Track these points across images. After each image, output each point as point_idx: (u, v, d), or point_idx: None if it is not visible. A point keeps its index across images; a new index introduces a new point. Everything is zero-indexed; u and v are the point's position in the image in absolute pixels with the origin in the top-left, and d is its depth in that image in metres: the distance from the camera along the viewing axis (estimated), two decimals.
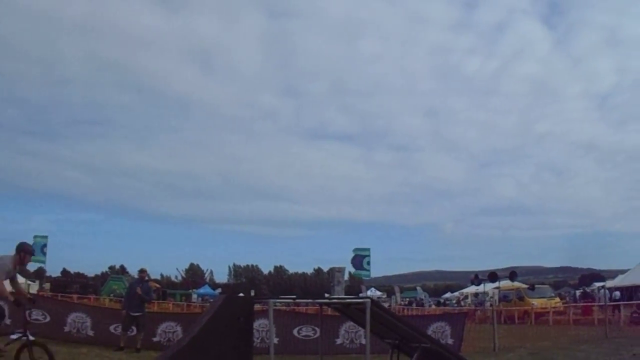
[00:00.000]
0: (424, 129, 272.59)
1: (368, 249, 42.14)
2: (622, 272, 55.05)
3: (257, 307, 13.25)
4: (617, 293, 39.99)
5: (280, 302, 19.28)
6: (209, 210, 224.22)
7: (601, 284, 58.71)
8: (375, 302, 9.43)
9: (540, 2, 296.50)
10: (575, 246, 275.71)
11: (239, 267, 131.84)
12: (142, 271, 18.56)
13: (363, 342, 14.22)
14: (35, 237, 31.10)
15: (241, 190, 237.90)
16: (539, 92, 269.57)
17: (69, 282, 63.81)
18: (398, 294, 59.91)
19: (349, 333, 17.54)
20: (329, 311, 14.21)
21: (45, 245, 31.43)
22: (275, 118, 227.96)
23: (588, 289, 60.92)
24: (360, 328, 14.71)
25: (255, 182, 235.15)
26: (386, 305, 49.07)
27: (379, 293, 70.16)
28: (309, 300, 14.25)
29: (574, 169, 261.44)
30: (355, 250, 41.88)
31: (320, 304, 11.13)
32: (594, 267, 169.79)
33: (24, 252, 9.81)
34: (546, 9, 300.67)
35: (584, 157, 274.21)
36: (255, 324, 14.11)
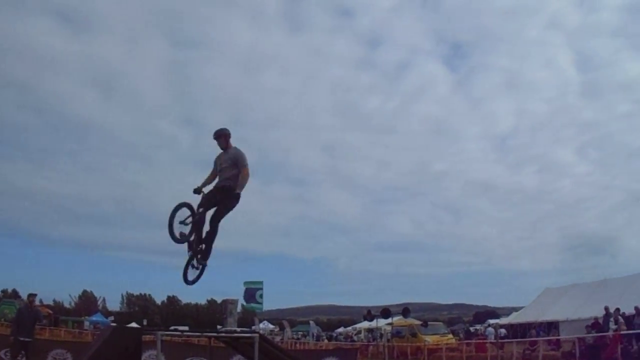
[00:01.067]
0: (321, 163, 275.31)
1: (261, 282, 41.25)
2: (516, 309, 56.39)
3: (147, 337, 12.71)
4: (502, 330, 40.57)
5: (169, 334, 18.63)
6: (104, 237, 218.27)
7: (495, 321, 59.83)
8: (263, 337, 9.73)
9: (443, 44, 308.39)
10: (470, 283, 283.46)
11: (132, 295, 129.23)
12: (30, 295, 17.67)
13: None
14: None
15: (136, 217, 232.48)
16: (437, 132, 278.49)
17: None
18: (288, 329, 59.86)
19: None
20: (220, 343, 13.96)
21: None
22: (173, 147, 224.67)
23: (479, 327, 61.97)
24: None
25: (150, 210, 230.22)
26: (278, 339, 48.30)
27: (271, 326, 69.17)
28: (197, 333, 14.31)
29: (470, 208, 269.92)
30: (247, 283, 40.92)
31: (209, 337, 11.21)
32: (488, 305, 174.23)
33: None
34: (448, 51, 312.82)
35: (480, 197, 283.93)
36: (145, 355, 13.71)
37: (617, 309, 27.53)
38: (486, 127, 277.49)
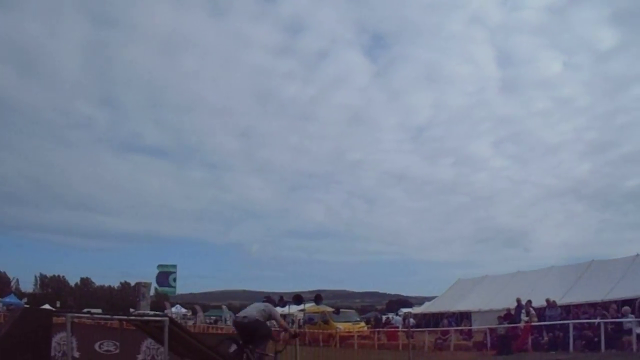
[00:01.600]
0: (237, 148, 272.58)
1: (174, 266, 40.34)
2: (429, 299, 57.10)
3: (58, 319, 12.28)
4: (412, 320, 40.91)
5: (78, 316, 18.04)
6: (18, 217, 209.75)
7: (407, 309, 60.48)
8: (173, 321, 9.71)
9: (365, 34, 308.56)
10: (383, 272, 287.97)
11: (46, 277, 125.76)
12: None
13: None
14: None
15: (51, 198, 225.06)
16: (355, 121, 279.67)
17: None
18: (201, 313, 59.04)
19: (150, 349, 16.80)
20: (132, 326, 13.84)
21: None
22: (90, 127, 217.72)
23: (390, 315, 62.57)
24: (161, 345, 14.04)
25: (65, 190, 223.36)
26: (191, 323, 47.26)
27: (184, 310, 67.99)
28: (108, 316, 14.78)
29: (385, 198, 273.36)
30: (160, 266, 39.87)
31: (120, 320, 11.47)
32: (401, 294, 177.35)
33: None
34: (370, 41, 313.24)
35: (396, 187, 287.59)
36: (57, 338, 13.47)
37: (529, 301, 27.89)
38: (404, 118, 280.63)
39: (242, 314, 11.93)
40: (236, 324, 11.96)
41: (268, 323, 12.14)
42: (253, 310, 11.75)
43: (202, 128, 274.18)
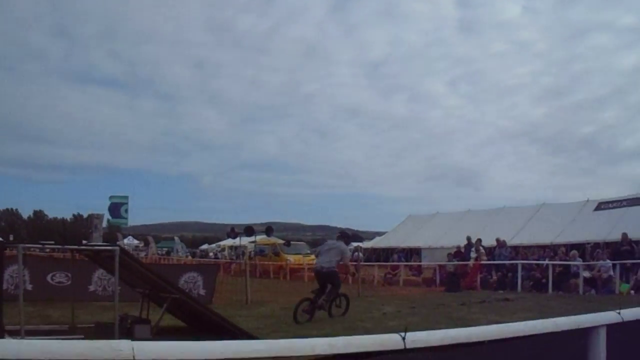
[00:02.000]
0: (191, 80, 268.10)
1: (126, 197, 39.89)
2: (380, 234, 57.49)
3: (10, 252, 12.88)
4: (360, 254, 41.29)
5: (30, 247, 17.80)
6: None
7: (357, 244, 60.85)
8: (124, 251, 9.96)
9: None
10: (334, 206, 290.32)
11: None
12: None
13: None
14: None
15: (3, 130, 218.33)
16: (310, 55, 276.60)
17: None
18: (153, 244, 58.80)
19: (102, 280, 17.35)
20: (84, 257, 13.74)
21: None
22: (43, 59, 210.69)
23: None
24: (112, 276, 14.08)
25: (18, 123, 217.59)
26: (143, 254, 46.90)
27: (136, 242, 67.46)
28: (59, 247, 14.83)
29: (338, 132, 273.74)
30: (113, 197, 39.33)
31: (72, 251, 11.75)
32: (352, 227, 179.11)
33: None
34: None
35: (349, 121, 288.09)
36: (9, 270, 13.50)
37: (479, 240, 28.16)
38: (359, 54, 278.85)
39: (321, 262, 14.89)
40: (316, 271, 15.18)
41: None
42: (332, 257, 14.63)
43: (156, 59, 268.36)
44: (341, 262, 15.33)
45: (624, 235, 23.17)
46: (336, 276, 14.77)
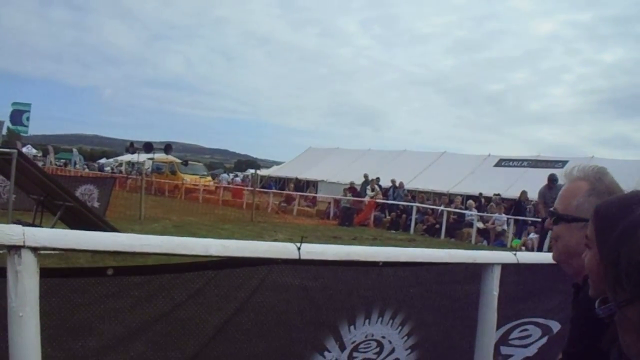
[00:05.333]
0: None
1: (29, 105, 38.53)
2: (278, 163, 57.66)
3: None
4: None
5: None
6: None
7: (252, 171, 61.08)
8: (22, 155, 9.79)
9: None
10: (235, 131, 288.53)
11: None
12: None
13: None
14: None
15: None
16: None
17: None
18: (52, 154, 58.01)
19: None
20: None
21: None
22: None
23: (239, 174, 63.15)
24: (7, 182, 13.86)
25: None
26: (41, 164, 45.24)
27: (34, 151, 65.07)
28: None
29: (246, 58, 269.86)
30: (15, 104, 37.82)
31: None
32: (251, 155, 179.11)
33: None
34: None
35: (257, 49, 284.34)
36: None
37: (377, 178, 28.58)
38: None
39: None
40: None
41: None
42: None
43: None
44: None
45: (524, 192, 23.85)
46: None
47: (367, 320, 2.82)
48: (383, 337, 2.92)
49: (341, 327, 2.76)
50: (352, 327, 2.78)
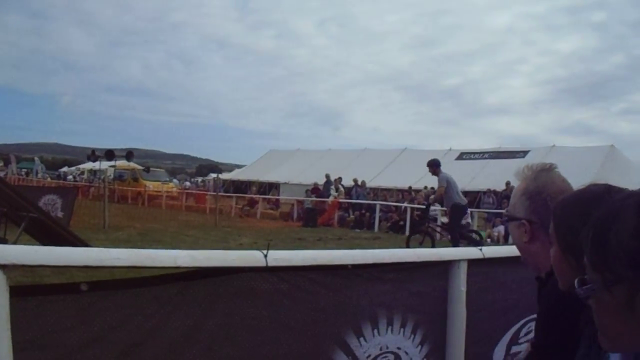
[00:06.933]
0: None
1: None
2: (240, 166, 57.54)
3: None
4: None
5: None
6: None
7: (214, 175, 61.07)
8: None
9: None
10: (195, 136, 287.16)
11: None
12: None
13: None
14: None
15: None
16: None
17: None
18: (14, 164, 56.55)
19: None
20: None
21: None
22: None
23: (200, 179, 62.90)
24: None
25: None
26: (2, 174, 44.38)
27: None
28: None
29: (204, 62, 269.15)
30: None
31: None
32: (212, 159, 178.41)
33: None
34: None
35: (215, 53, 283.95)
36: None
37: (339, 178, 28.63)
38: None
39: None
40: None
41: None
42: None
43: None
44: None
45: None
46: None
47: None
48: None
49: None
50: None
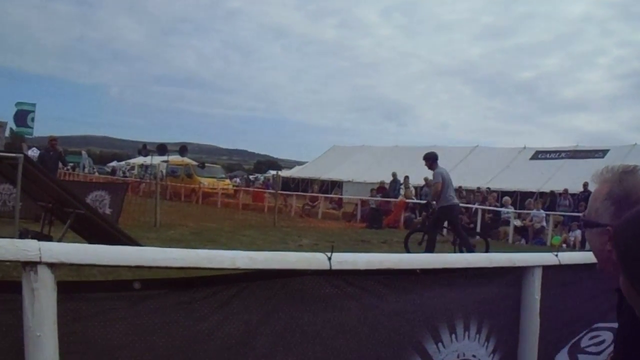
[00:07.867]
0: None
1: (33, 105, 38.76)
2: (300, 163, 57.67)
3: None
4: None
5: None
6: None
7: (274, 172, 61.34)
8: (28, 159, 9.53)
9: None
10: (253, 130, 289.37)
11: None
12: None
13: None
14: None
15: None
16: None
17: None
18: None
19: (2, 195, 17.01)
20: None
21: None
22: None
23: (259, 176, 63.12)
24: (13, 189, 13.72)
25: None
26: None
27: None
28: None
29: (261, 52, 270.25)
30: (19, 104, 38.09)
31: None
32: (271, 155, 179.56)
33: None
34: None
35: (273, 42, 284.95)
36: None
37: (407, 177, 28.45)
38: None
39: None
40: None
41: None
42: None
43: None
44: None
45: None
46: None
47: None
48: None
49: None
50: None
